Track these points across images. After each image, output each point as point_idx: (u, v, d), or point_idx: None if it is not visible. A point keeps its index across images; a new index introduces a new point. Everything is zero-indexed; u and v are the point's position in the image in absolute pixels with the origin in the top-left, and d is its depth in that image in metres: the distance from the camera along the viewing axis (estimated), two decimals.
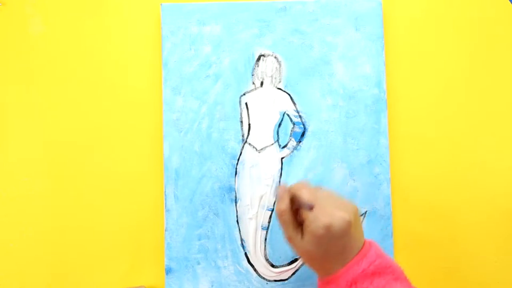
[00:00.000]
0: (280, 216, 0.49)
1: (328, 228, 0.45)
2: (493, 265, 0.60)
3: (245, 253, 0.59)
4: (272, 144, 0.60)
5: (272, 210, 0.59)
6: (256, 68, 0.60)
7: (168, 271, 0.58)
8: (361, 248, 0.46)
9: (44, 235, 0.60)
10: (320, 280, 0.48)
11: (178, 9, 0.60)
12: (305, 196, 0.48)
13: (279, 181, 0.59)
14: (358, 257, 0.45)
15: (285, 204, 0.49)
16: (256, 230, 0.59)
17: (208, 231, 0.59)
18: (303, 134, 0.60)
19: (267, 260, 0.59)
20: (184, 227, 0.59)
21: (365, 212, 0.59)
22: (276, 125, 0.60)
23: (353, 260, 0.45)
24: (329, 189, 0.52)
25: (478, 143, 0.61)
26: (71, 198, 0.60)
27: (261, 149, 0.60)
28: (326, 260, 0.46)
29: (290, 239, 0.49)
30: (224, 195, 0.59)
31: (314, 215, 0.46)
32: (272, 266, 0.59)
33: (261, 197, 0.59)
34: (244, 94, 0.60)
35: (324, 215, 0.45)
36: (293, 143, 0.60)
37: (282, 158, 0.59)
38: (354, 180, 0.59)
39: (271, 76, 0.60)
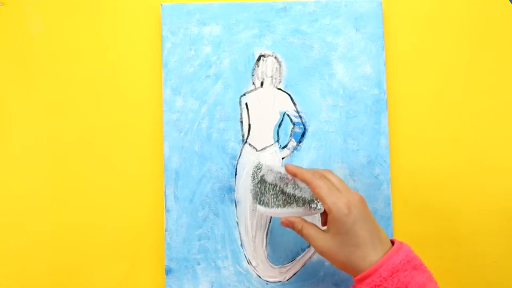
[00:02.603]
0: (299, 228, 0.50)
1: (349, 206, 0.46)
2: (493, 265, 0.60)
3: (245, 254, 0.59)
4: (272, 144, 0.60)
5: None
6: (256, 68, 0.60)
7: (168, 271, 0.58)
8: (393, 241, 0.47)
9: (44, 235, 0.60)
10: (355, 279, 0.46)
11: (178, 9, 0.60)
12: (312, 181, 0.49)
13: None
14: (395, 248, 0.46)
15: (292, 218, 0.51)
16: (256, 230, 0.59)
17: (208, 231, 0.59)
18: (303, 135, 0.60)
19: (267, 260, 0.59)
20: (184, 228, 0.59)
21: None
22: (276, 125, 0.60)
23: (391, 250, 0.45)
24: (330, 171, 0.52)
25: (478, 143, 0.61)
26: (71, 198, 0.60)
27: (261, 149, 0.60)
28: (360, 247, 0.45)
29: (319, 245, 0.48)
30: (224, 196, 0.59)
31: (332, 202, 0.46)
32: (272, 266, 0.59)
33: None
34: (244, 94, 0.60)
35: (341, 197, 0.47)
36: (293, 143, 0.60)
37: (282, 159, 0.59)
38: (354, 180, 0.59)
39: (271, 77, 0.60)
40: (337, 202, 0.46)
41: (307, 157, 0.59)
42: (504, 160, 0.61)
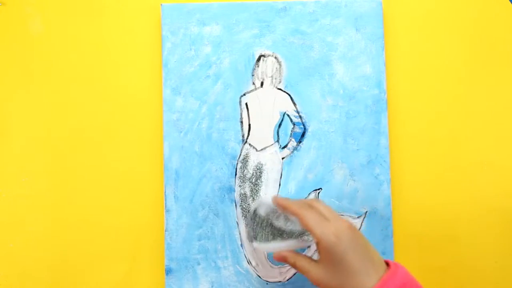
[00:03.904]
0: (292, 262, 0.49)
1: (337, 235, 0.45)
2: (493, 265, 0.60)
3: (245, 254, 0.59)
4: (272, 144, 0.60)
5: None
6: (256, 68, 0.60)
7: (168, 271, 0.58)
8: (389, 265, 0.46)
9: (44, 235, 0.60)
10: None
11: (178, 9, 0.60)
12: (297, 210, 0.48)
13: (279, 183, 0.59)
14: (391, 273, 0.45)
15: (284, 252, 0.50)
16: None
17: (208, 231, 0.59)
18: (303, 135, 0.60)
19: (267, 260, 0.59)
20: (184, 228, 0.59)
21: (366, 213, 0.59)
22: (276, 125, 0.60)
23: (386, 275, 0.45)
24: (318, 200, 0.52)
25: (478, 143, 0.61)
26: (71, 198, 0.60)
27: (261, 149, 0.60)
28: (353, 275, 0.45)
29: (313, 276, 0.47)
30: (224, 196, 0.59)
31: (320, 232, 0.46)
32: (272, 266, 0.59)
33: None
34: (244, 95, 0.60)
35: (329, 226, 0.46)
36: (293, 143, 0.60)
37: (282, 159, 0.59)
38: (354, 180, 0.59)
39: (271, 77, 0.60)
40: (325, 232, 0.46)
41: (307, 157, 0.59)
42: (504, 160, 0.61)
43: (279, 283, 0.58)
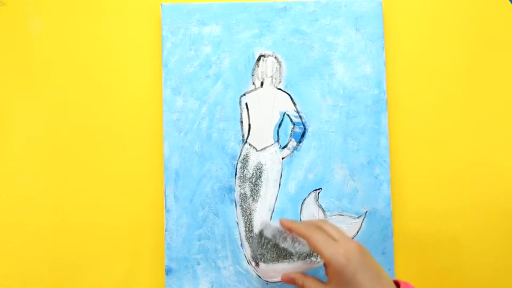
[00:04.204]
0: (300, 284, 0.49)
1: (347, 257, 0.45)
2: (493, 265, 0.60)
3: (245, 254, 0.59)
4: (272, 144, 0.60)
5: (273, 212, 0.59)
6: (256, 68, 0.60)
7: (168, 271, 0.58)
8: (398, 284, 0.46)
9: (44, 235, 0.60)
10: None
11: (178, 9, 0.60)
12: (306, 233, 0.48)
13: (279, 184, 0.59)
14: None
15: (292, 273, 0.50)
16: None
17: (208, 231, 0.59)
18: (303, 135, 0.60)
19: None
20: (184, 228, 0.59)
21: (366, 213, 0.59)
22: (276, 125, 0.60)
23: None
24: (326, 221, 0.51)
25: (478, 143, 0.61)
26: (71, 198, 0.60)
27: (261, 149, 0.60)
28: None
29: None
30: (224, 196, 0.59)
31: (329, 253, 0.46)
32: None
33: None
34: (244, 95, 0.60)
35: (338, 248, 0.46)
36: (293, 143, 0.60)
37: (282, 159, 0.59)
38: (354, 180, 0.59)
39: (271, 77, 0.60)
40: (334, 254, 0.46)
41: (307, 157, 0.59)
42: (504, 160, 0.61)
43: (279, 283, 0.58)
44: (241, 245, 0.59)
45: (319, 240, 0.47)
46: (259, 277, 0.58)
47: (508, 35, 0.62)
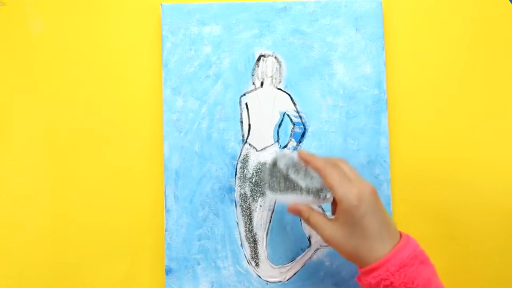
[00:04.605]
0: (306, 217, 0.49)
1: (360, 198, 0.45)
2: (493, 265, 0.60)
3: (245, 254, 0.59)
4: (272, 144, 0.60)
5: (273, 212, 0.59)
6: (256, 68, 0.60)
7: (168, 271, 0.58)
8: (401, 234, 0.47)
9: (44, 235, 0.60)
10: (362, 270, 0.46)
11: (178, 9, 0.60)
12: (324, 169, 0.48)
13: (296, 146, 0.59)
14: (403, 242, 0.45)
15: (299, 205, 0.50)
16: (256, 230, 0.59)
17: (208, 231, 0.59)
18: (303, 135, 0.60)
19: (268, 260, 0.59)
20: (184, 228, 0.59)
21: None
22: (276, 125, 0.60)
23: (399, 244, 0.45)
24: (343, 160, 0.51)
25: (478, 143, 0.61)
26: (71, 198, 0.60)
27: (261, 149, 0.60)
28: (369, 240, 0.45)
29: (326, 234, 0.47)
30: (224, 196, 0.59)
31: (342, 192, 0.46)
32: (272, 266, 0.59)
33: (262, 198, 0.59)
34: (244, 95, 0.60)
35: (352, 188, 0.46)
36: (293, 143, 0.60)
37: None
38: None
39: (271, 77, 0.60)
40: (347, 193, 0.46)
41: None
42: (504, 160, 0.61)
43: (279, 283, 0.58)
44: (241, 245, 0.59)
45: (334, 177, 0.47)
46: (259, 277, 0.58)
47: (508, 35, 0.62)
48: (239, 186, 0.59)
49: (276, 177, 0.53)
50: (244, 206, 0.59)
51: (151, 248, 0.60)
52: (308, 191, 0.51)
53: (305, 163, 0.51)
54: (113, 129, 0.61)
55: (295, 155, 0.53)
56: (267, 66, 0.60)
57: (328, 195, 0.50)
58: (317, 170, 0.49)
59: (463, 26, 0.62)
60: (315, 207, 0.53)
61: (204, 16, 0.60)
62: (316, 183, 0.51)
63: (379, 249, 0.45)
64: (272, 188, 0.53)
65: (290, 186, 0.52)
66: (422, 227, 0.60)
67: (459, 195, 0.61)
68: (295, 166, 0.52)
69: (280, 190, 0.52)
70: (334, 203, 0.50)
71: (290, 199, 0.51)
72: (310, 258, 0.59)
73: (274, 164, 0.54)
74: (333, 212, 0.51)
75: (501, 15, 0.62)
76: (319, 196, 0.51)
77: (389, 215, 0.47)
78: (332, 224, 0.47)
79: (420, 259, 0.45)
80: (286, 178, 0.52)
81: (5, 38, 0.61)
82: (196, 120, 0.60)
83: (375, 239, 0.45)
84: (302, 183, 0.51)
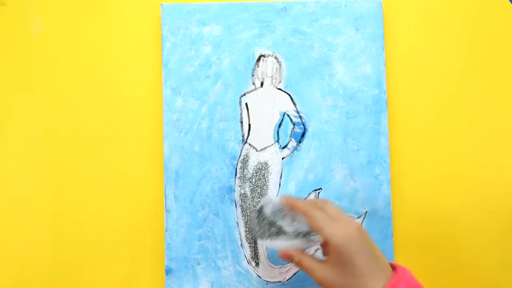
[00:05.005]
0: (297, 261, 0.49)
1: (346, 237, 0.45)
2: (493, 265, 0.60)
3: (245, 254, 0.59)
4: (272, 144, 0.60)
5: None
6: (256, 68, 0.60)
7: (168, 271, 0.58)
8: (394, 268, 0.46)
9: (44, 235, 0.60)
10: None
11: (178, 9, 0.60)
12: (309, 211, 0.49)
13: (279, 185, 0.59)
14: (397, 277, 0.45)
15: (289, 250, 0.50)
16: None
17: (208, 231, 0.59)
18: (303, 135, 0.60)
19: (268, 260, 0.59)
20: (184, 228, 0.59)
21: (366, 213, 0.59)
22: (276, 125, 0.60)
23: (393, 279, 0.45)
24: (327, 201, 0.51)
25: (478, 143, 0.61)
26: (71, 198, 0.60)
27: (261, 149, 0.60)
28: (360, 277, 0.45)
29: (318, 276, 0.47)
30: (224, 196, 0.59)
31: (329, 233, 0.46)
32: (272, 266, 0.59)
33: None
34: (244, 95, 0.60)
35: (338, 227, 0.46)
36: (293, 143, 0.60)
37: (282, 159, 0.59)
38: (354, 180, 0.59)
39: (271, 77, 0.60)
40: (333, 233, 0.46)
41: (307, 157, 0.59)
42: (504, 161, 0.61)
43: (279, 283, 0.58)
44: (241, 245, 0.59)
45: (320, 219, 0.47)
46: (259, 277, 0.58)
47: (508, 35, 0.62)
48: (239, 186, 0.59)
49: (263, 224, 0.53)
50: (244, 206, 0.59)
51: (151, 248, 0.60)
52: (296, 235, 0.51)
53: (290, 209, 0.52)
54: (113, 129, 0.61)
55: (277, 200, 0.54)
56: (267, 66, 0.60)
57: (316, 238, 0.51)
58: (302, 214, 0.50)
59: (463, 26, 0.62)
60: (310, 249, 0.54)
61: (204, 16, 0.60)
62: (303, 227, 0.51)
63: (372, 285, 0.44)
64: (260, 236, 0.53)
65: (278, 231, 0.52)
66: (422, 227, 0.60)
67: (458, 195, 0.61)
68: (281, 211, 0.53)
69: (268, 236, 0.52)
70: (324, 244, 0.50)
71: (279, 244, 0.52)
72: None
73: (260, 211, 0.54)
74: (324, 253, 0.51)
75: (501, 15, 0.62)
76: (307, 239, 0.51)
77: (380, 251, 0.47)
78: (323, 266, 0.47)
79: None
80: (273, 224, 0.53)
81: (5, 38, 0.61)
82: (196, 120, 0.60)
83: (367, 277, 0.45)
84: (289, 228, 0.52)
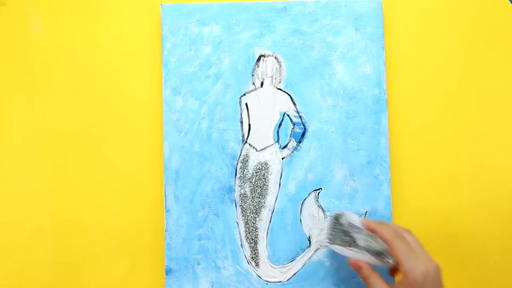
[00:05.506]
0: (365, 275, 0.50)
1: (425, 275, 0.46)
2: (493, 265, 0.60)
3: (245, 254, 0.59)
4: (272, 144, 0.60)
5: (273, 212, 0.59)
6: (256, 68, 0.60)
7: (168, 271, 0.58)
8: None
9: (44, 235, 0.60)
10: None
11: (178, 9, 0.60)
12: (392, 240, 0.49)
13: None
14: None
15: (361, 262, 0.51)
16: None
17: (208, 231, 0.59)
18: (303, 135, 0.60)
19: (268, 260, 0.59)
20: (184, 228, 0.59)
21: (366, 213, 0.59)
22: (276, 125, 0.60)
23: None
24: (409, 232, 0.52)
25: (478, 143, 0.61)
26: (71, 198, 0.60)
27: (261, 149, 0.60)
28: None
29: None
30: (224, 196, 0.59)
31: (409, 267, 0.46)
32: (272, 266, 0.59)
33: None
34: (244, 95, 0.60)
35: (419, 263, 0.47)
36: (293, 143, 0.60)
37: (282, 159, 0.59)
38: (354, 180, 0.59)
39: (271, 77, 0.60)
40: (414, 268, 0.46)
41: (307, 157, 0.59)
42: (504, 160, 0.61)
43: (279, 283, 0.58)
44: (241, 245, 0.59)
45: (402, 250, 0.48)
46: (259, 277, 0.58)
47: (508, 35, 0.62)
48: (239, 186, 0.59)
49: (337, 230, 0.54)
50: (244, 206, 0.59)
51: (151, 248, 0.60)
52: (367, 250, 0.52)
53: (372, 232, 0.53)
54: (113, 129, 0.61)
55: (356, 217, 0.55)
56: (267, 66, 0.60)
57: (387, 260, 0.51)
58: (385, 241, 0.50)
59: (463, 26, 0.62)
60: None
61: (204, 16, 0.60)
62: (376, 246, 0.52)
63: None
64: (331, 240, 0.54)
65: (351, 242, 0.53)
66: (422, 227, 0.60)
67: (459, 195, 0.61)
68: (357, 226, 0.54)
69: (339, 244, 0.54)
70: (394, 269, 0.52)
71: (348, 253, 0.53)
72: (310, 258, 0.59)
73: (337, 218, 0.55)
74: (391, 274, 0.53)
75: (501, 15, 0.62)
76: (378, 258, 0.52)
77: None
78: None
79: None
80: (347, 233, 0.54)
81: (5, 38, 0.61)
82: (196, 120, 0.60)
83: None
84: (363, 242, 0.53)
